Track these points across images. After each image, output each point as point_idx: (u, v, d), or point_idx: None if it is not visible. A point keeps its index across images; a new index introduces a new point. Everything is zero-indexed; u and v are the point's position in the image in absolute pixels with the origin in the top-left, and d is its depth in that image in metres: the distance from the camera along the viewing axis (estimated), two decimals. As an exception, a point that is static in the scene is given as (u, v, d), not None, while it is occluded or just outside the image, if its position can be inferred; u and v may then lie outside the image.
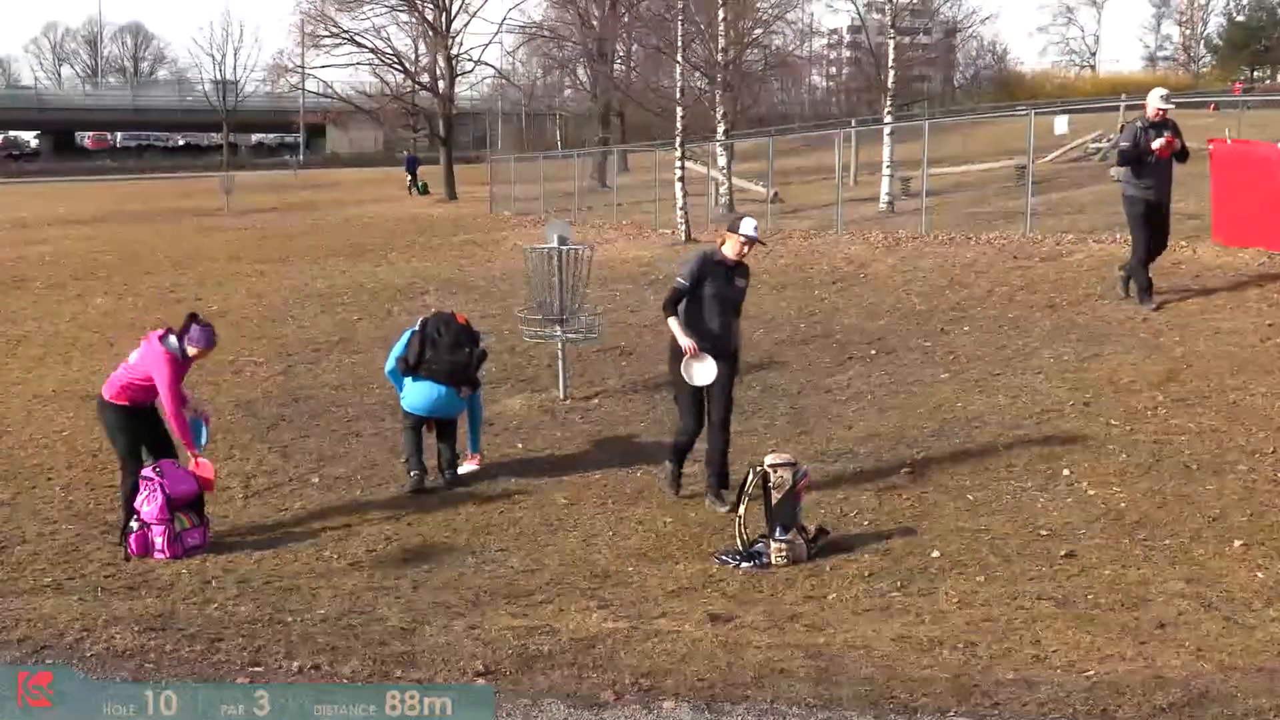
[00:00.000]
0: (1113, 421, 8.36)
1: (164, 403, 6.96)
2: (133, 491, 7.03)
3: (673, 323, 7.27)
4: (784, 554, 6.33)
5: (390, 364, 8.54)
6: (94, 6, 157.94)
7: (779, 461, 6.51)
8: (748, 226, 7.30)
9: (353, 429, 9.73)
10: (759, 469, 6.53)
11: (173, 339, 6.97)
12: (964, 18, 51.79)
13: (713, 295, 7.28)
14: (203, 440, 7.30)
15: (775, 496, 6.42)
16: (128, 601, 6.00)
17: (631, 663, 4.98)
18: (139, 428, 7.14)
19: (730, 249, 7.31)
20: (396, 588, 6.20)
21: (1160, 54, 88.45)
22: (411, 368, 8.28)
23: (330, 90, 48.10)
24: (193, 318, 7.05)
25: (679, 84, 23.56)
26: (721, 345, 7.32)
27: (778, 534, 6.37)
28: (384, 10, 42.71)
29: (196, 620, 5.66)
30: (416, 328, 8.42)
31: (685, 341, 7.14)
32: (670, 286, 7.40)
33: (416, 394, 8.29)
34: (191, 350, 7.01)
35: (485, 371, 9.12)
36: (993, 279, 13.95)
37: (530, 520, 7.35)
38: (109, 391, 7.03)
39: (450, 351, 8.24)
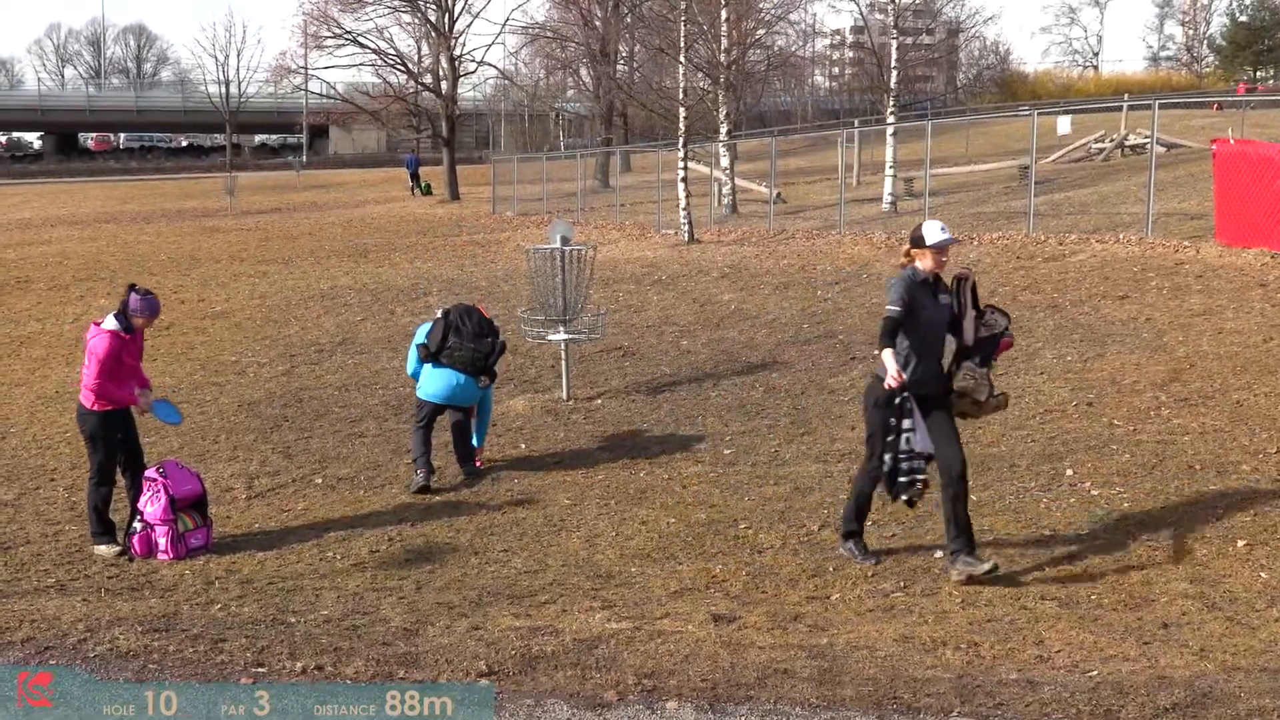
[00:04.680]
0: (1116, 422, 8.36)
1: (88, 375, 6.83)
2: (104, 501, 7.01)
3: (888, 355, 5.89)
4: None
5: (411, 364, 8.67)
6: (97, 7, 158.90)
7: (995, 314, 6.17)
8: (932, 232, 5.94)
9: (356, 429, 9.74)
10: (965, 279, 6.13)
11: (111, 318, 6.89)
12: (967, 18, 51.73)
13: (926, 322, 6.05)
14: (176, 418, 7.29)
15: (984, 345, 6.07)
16: (131, 602, 6.01)
17: (634, 663, 4.99)
18: (118, 435, 7.05)
19: (926, 264, 6.01)
20: (400, 588, 6.20)
21: (1163, 54, 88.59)
22: (433, 355, 8.39)
23: (333, 91, 48.24)
24: (131, 288, 6.99)
25: (682, 84, 23.56)
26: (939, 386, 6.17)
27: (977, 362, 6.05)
28: (386, 11, 42.81)
29: (200, 621, 5.66)
30: (439, 315, 8.56)
31: (893, 368, 5.83)
32: (884, 317, 6.03)
33: (434, 381, 8.38)
34: (137, 320, 6.93)
35: (499, 367, 9.21)
36: (996, 279, 13.94)
37: (533, 521, 7.35)
38: (87, 399, 6.93)
39: (474, 340, 8.39)
